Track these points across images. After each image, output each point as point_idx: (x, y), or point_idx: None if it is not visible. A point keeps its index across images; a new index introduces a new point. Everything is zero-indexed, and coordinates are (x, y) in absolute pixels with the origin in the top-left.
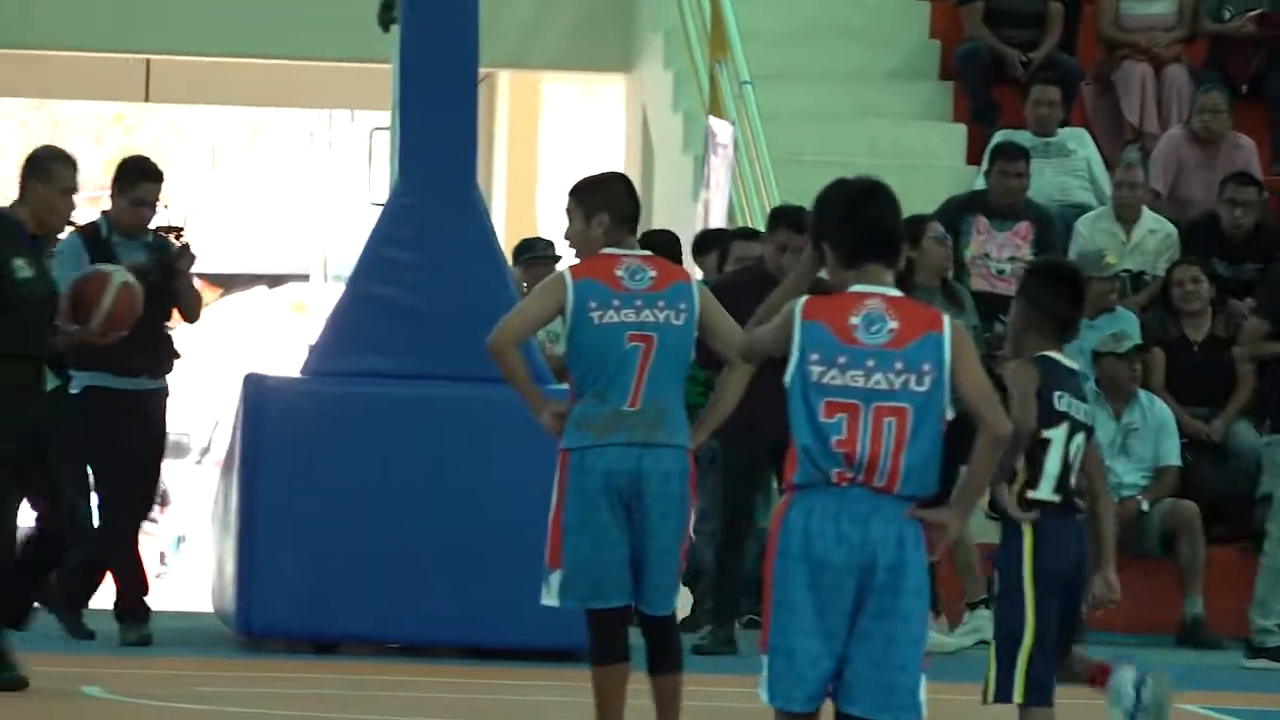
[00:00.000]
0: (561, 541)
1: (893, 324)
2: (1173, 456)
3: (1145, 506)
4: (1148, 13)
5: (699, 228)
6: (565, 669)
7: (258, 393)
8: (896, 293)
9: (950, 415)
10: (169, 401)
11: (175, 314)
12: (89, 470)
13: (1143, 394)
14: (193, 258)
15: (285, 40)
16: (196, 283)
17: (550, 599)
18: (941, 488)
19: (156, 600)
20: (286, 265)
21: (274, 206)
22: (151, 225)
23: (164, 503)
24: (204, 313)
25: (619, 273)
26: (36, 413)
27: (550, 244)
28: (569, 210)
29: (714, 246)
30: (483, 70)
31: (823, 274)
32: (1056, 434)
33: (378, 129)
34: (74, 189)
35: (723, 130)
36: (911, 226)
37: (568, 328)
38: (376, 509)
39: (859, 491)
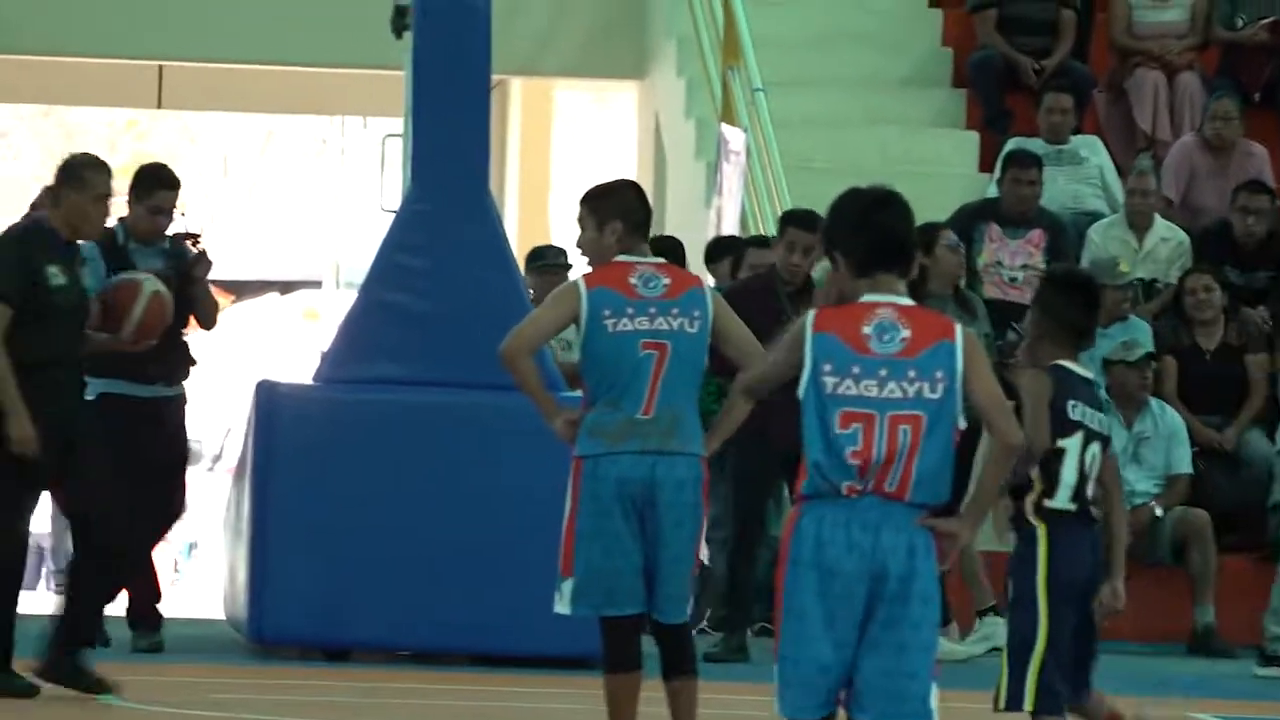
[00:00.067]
0: (574, 549)
1: (905, 333)
2: (1184, 465)
3: (1159, 512)
4: (1160, 20)
5: (711, 234)
6: (577, 677)
7: (270, 400)
8: (908, 301)
9: (963, 425)
10: (187, 409)
11: (191, 321)
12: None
13: (1154, 402)
14: (209, 264)
15: (298, 47)
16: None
17: (563, 607)
18: (952, 497)
19: (169, 607)
20: (299, 272)
21: (286, 213)
22: (169, 232)
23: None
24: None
25: (633, 280)
26: (69, 420)
27: (562, 252)
28: (581, 218)
29: (726, 254)
30: (495, 77)
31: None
32: (1071, 443)
33: (390, 136)
34: (108, 195)
35: (735, 137)
36: (924, 234)
37: (582, 336)
38: (388, 516)
39: (870, 500)
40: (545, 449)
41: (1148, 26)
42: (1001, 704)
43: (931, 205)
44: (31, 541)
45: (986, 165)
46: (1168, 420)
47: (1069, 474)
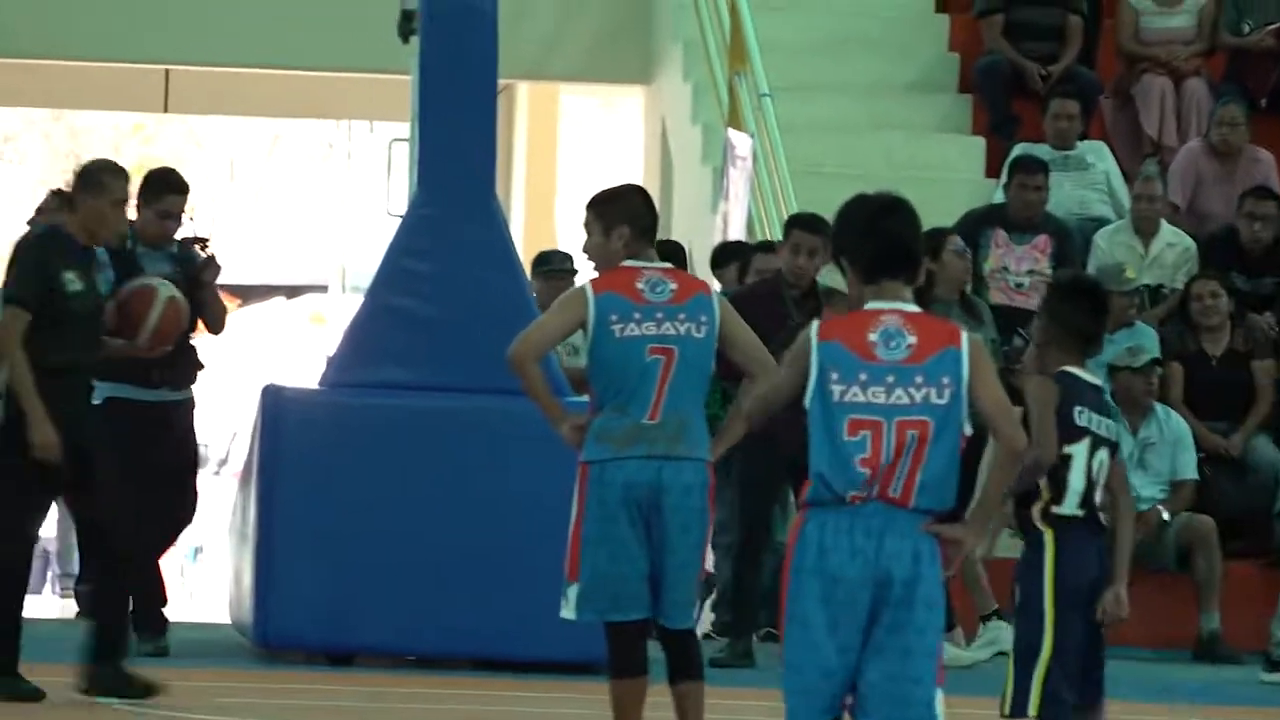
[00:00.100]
0: (580, 554)
1: (911, 339)
2: (1189, 470)
3: (1166, 516)
4: (1167, 26)
5: (717, 240)
6: (583, 682)
7: (276, 404)
8: (914, 308)
9: (969, 431)
10: (195, 413)
11: (199, 325)
12: None
13: (1159, 408)
14: (218, 269)
15: (304, 51)
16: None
17: (568, 612)
18: (958, 504)
19: (174, 611)
20: (305, 276)
21: (293, 217)
22: (178, 236)
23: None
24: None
25: (640, 285)
26: (84, 426)
27: (568, 257)
28: (588, 223)
29: (733, 259)
30: (501, 82)
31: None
32: (1078, 449)
33: (397, 140)
34: (125, 200)
35: (741, 142)
36: (931, 239)
37: (589, 341)
38: (394, 521)
39: (874, 506)
40: (551, 454)
41: (1155, 32)
42: (1007, 709)
43: (938, 210)
44: (38, 545)
45: (993, 170)
46: (1173, 426)
47: (1076, 480)
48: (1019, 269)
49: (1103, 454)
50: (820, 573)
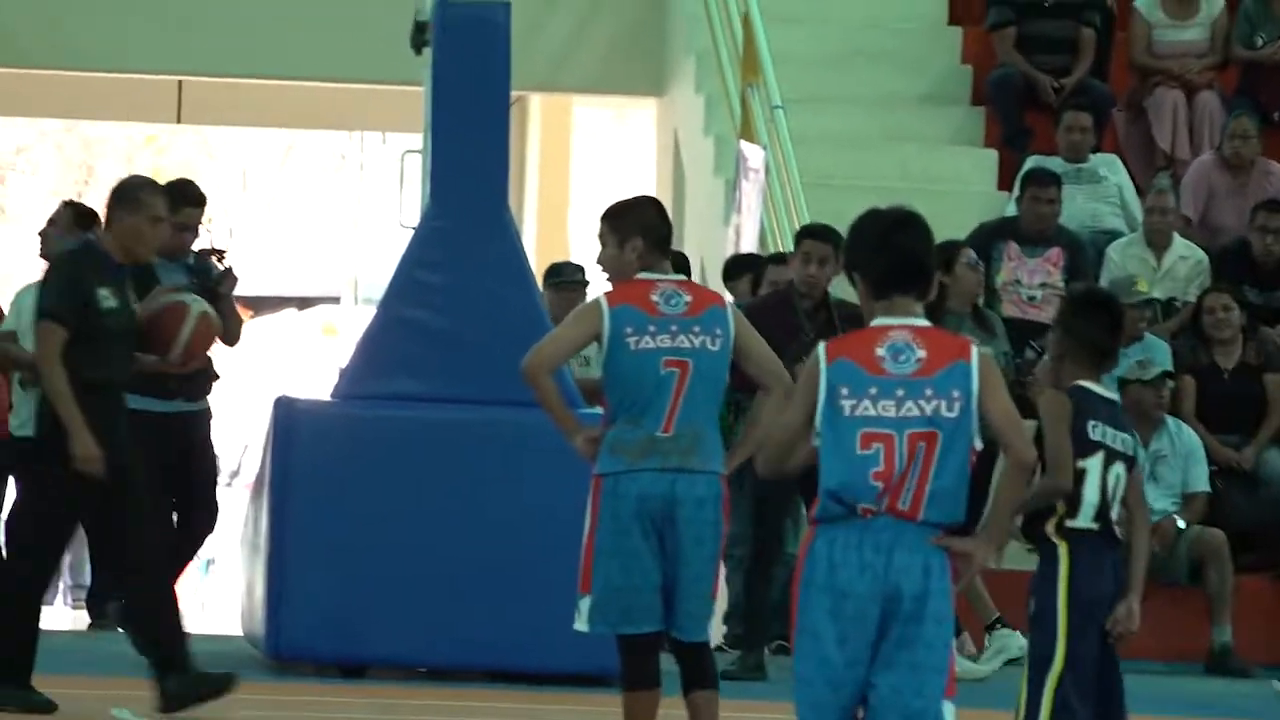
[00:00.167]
0: (593, 567)
1: (920, 353)
2: (1201, 483)
3: (1181, 524)
4: (1180, 39)
5: (730, 252)
6: (596, 694)
7: (288, 416)
8: (924, 322)
9: (979, 446)
10: (212, 424)
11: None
12: None
13: (1170, 420)
14: (235, 280)
15: (317, 62)
16: None
17: (581, 624)
18: (969, 519)
19: (186, 623)
20: (317, 287)
21: (305, 228)
22: (194, 248)
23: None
24: None
25: (654, 298)
26: (118, 444)
27: (579, 268)
28: (602, 235)
29: (745, 271)
30: (514, 93)
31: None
32: (1092, 463)
33: (409, 152)
34: (162, 217)
35: (754, 154)
36: (944, 252)
37: (604, 353)
38: (406, 533)
39: (883, 520)
40: (564, 466)
41: (1167, 45)
42: None
43: (950, 223)
44: None
45: (1005, 183)
46: (1184, 439)
47: (1090, 494)
48: (1031, 282)
49: (1118, 468)
50: (829, 587)
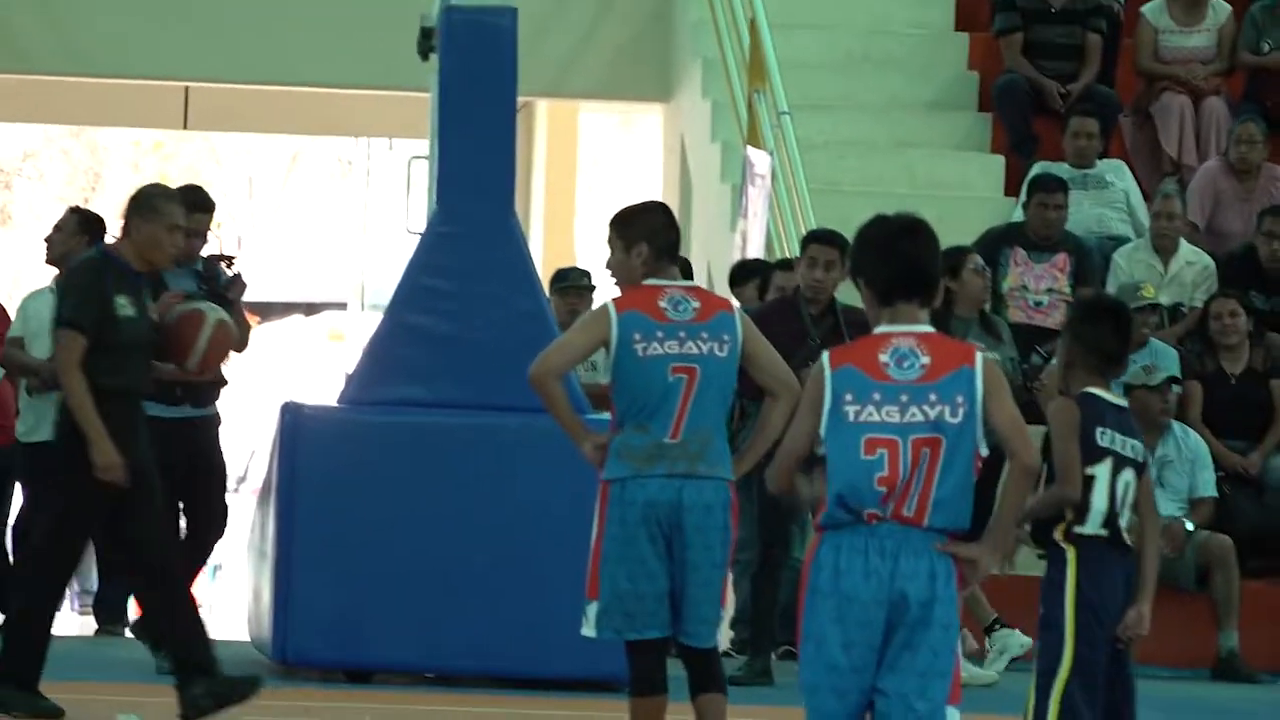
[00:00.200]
0: (600, 572)
1: (925, 359)
2: (1208, 488)
3: (1190, 526)
4: (1186, 45)
5: (736, 258)
6: (602, 699)
7: (294, 421)
8: (928, 329)
9: (985, 452)
10: (220, 430)
11: None
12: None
13: (1176, 426)
14: (244, 286)
15: (324, 68)
16: None
17: (588, 630)
18: (976, 526)
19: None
20: (324, 293)
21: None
22: (203, 253)
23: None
24: None
25: (662, 304)
26: (137, 452)
27: (585, 273)
28: (610, 240)
29: (751, 277)
30: (521, 99)
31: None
32: (1100, 470)
33: (416, 158)
34: (180, 225)
35: (760, 160)
36: (951, 258)
37: (611, 359)
38: (413, 538)
39: (888, 527)
40: (569, 472)
41: (1174, 51)
42: None
43: (957, 229)
44: None
45: (1012, 189)
46: (1191, 444)
47: (1099, 500)
48: (1038, 287)
49: (1128, 474)
50: (835, 593)
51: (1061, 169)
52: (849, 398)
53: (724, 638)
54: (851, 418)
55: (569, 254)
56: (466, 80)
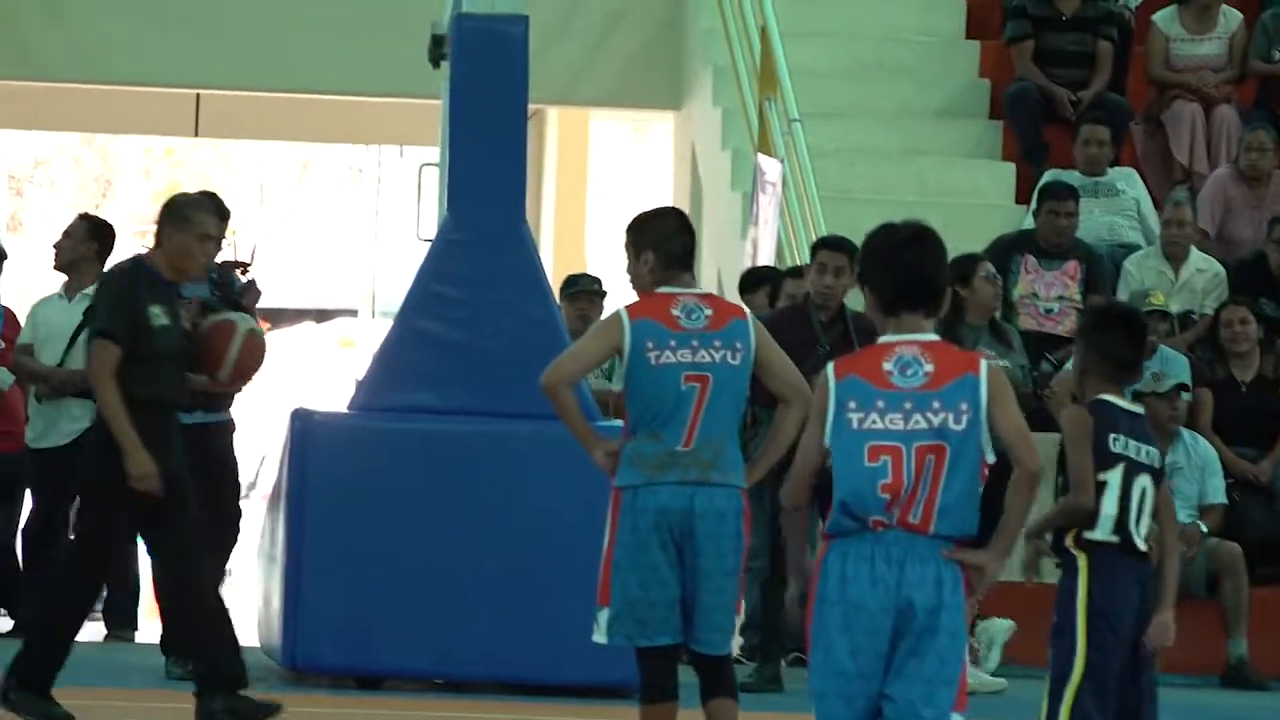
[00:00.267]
0: (611, 579)
1: (928, 367)
2: (1218, 495)
3: (1204, 528)
4: (1197, 53)
5: (747, 265)
6: (612, 706)
7: (305, 428)
8: (932, 337)
9: (991, 459)
10: (233, 436)
11: None
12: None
13: (1185, 433)
14: (259, 293)
15: (335, 75)
16: None
17: (600, 636)
18: (982, 532)
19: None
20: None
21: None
22: (217, 260)
23: None
24: None
25: (675, 312)
26: (170, 461)
27: (596, 279)
28: (625, 247)
29: (761, 284)
30: (532, 106)
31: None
32: (1112, 476)
33: (426, 165)
34: (212, 235)
35: (771, 168)
36: (963, 265)
37: (625, 367)
38: (422, 544)
39: (894, 534)
40: (579, 478)
41: (1185, 59)
42: None
43: (967, 236)
44: None
45: (1023, 197)
46: (1200, 451)
47: (1109, 506)
48: (1048, 294)
49: (1143, 480)
50: (842, 600)
51: (1072, 176)
52: (852, 405)
53: (734, 644)
54: (855, 425)
55: (580, 261)
56: (478, 88)
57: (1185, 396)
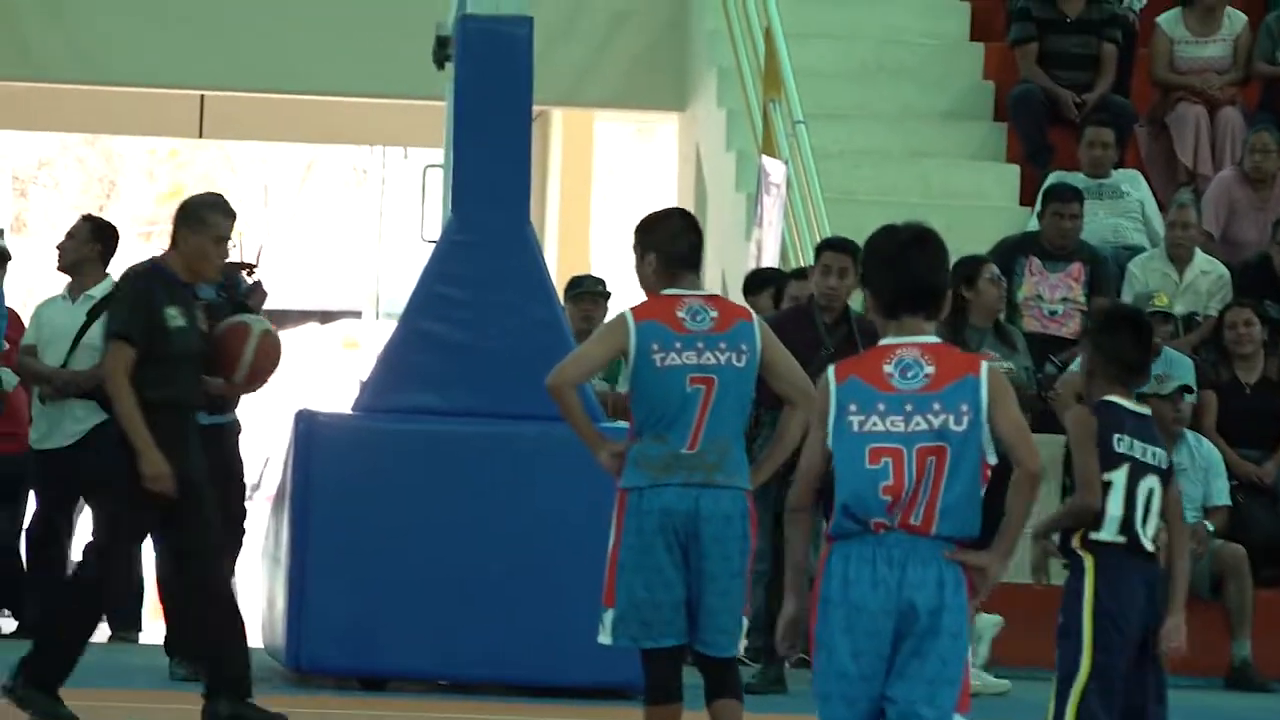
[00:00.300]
0: (616, 580)
1: (929, 369)
2: (1223, 496)
3: (1211, 527)
4: (1202, 55)
5: (751, 266)
6: (617, 707)
7: (309, 429)
8: (933, 340)
9: (993, 460)
10: (239, 437)
11: None
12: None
13: (1189, 434)
14: (264, 294)
15: (339, 77)
16: None
17: (605, 637)
18: (985, 534)
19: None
20: (339, 301)
21: (326, 243)
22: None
23: None
24: None
25: (680, 314)
26: (186, 463)
27: (600, 280)
28: (633, 248)
29: (766, 286)
30: (536, 108)
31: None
32: (1117, 476)
33: (431, 166)
34: (228, 237)
35: (776, 169)
36: (967, 267)
37: (630, 369)
38: (426, 546)
39: (896, 536)
40: (583, 479)
41: (1189, 61)
42: None
43: (972, 238)
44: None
45: (1027, 199)
46: (1204, 452)
47: (1114, 507)
48: (1053, 297)
49: (1150, 481)
50: (843, 602)
51: (1077, 179)
52: (853, 408)
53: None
54: (856, 428)
55: (584, 263)
56: (482, 89)
57: (1188, 398)
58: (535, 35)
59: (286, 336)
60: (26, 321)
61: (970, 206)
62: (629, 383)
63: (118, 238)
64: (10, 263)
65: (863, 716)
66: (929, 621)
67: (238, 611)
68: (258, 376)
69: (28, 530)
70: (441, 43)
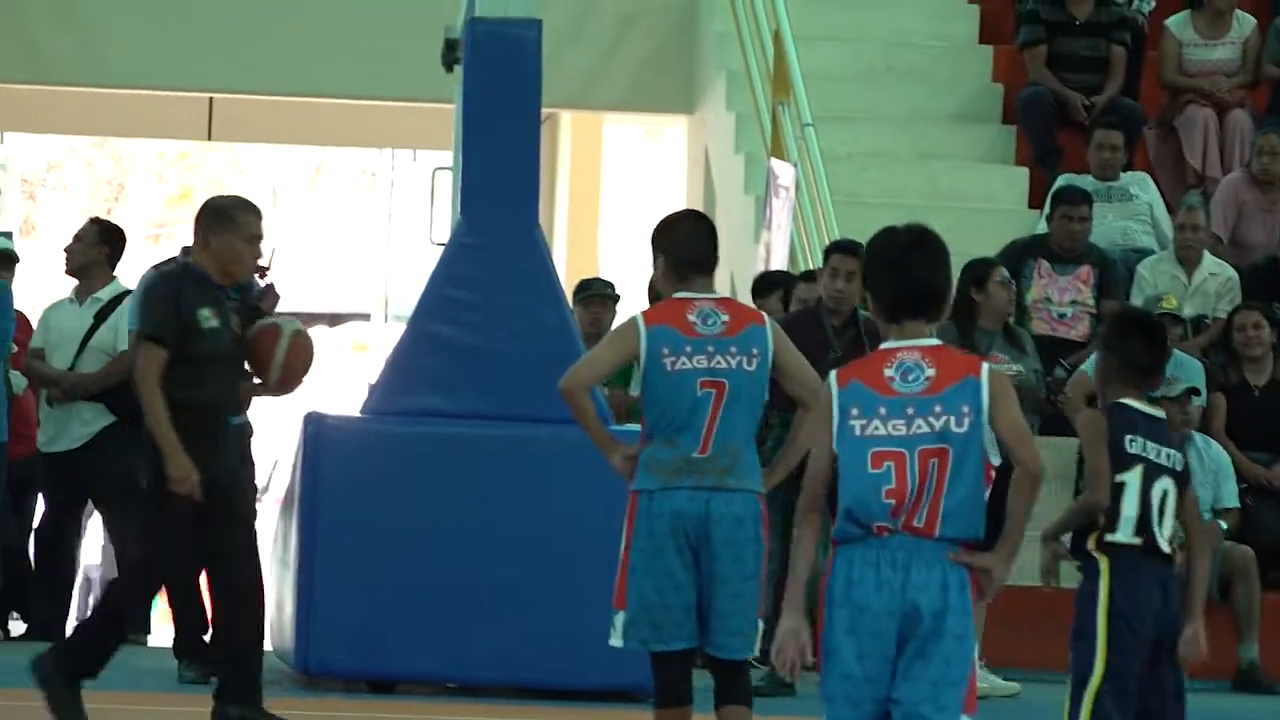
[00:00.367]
0: (627, 583)
1: (930, 371)
2: (1232, 499)
3: (1224, 525)
4: (1211, 58)
5: (760, 269)
6: (626, 710)
7: (317, 431)
8: (934, 342)
9: (996, 461)
10: (250, 439)
11: None
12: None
13: (1198, 437)
14: (278, 297)
15: (348, 80)
16: None
17: (616, 640)
18: (989, 535)
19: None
20: (347, 304)
21: (335, 245)
22: None
23: None
24: None
25: (691, 318)
26: (216, 465)
27: (609, 283)
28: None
29: (775, 288)
30: (545, 110)
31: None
32: (1130, 477)
33: (440, 169)
34: (260, 236)
35: (784, 172)
36: (977, 270)
37: (641, 373)
38: (435, 548)
39: (899, 539)
40: (593, 482)
41: (1198, 64)
42: None
43: (980, 241)
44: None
45: (1036, 201)
46: (1213, 454)
47: (1129, 508)
48: (1061, 299)
49: (1164, 482)
50: (848, 604)
51: (1085, 181)
52: (855, 412)
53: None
54: (858, 432)
55: (593, 266)
56: (491, 92)
57: (1197, 401)
58: (544, 38)
59: None
60: (35, 324)
61: (979, 209)
62: (639, 386)
63: (125, 240)
64: (18, 265)
65: (868, 718)
66: (933, 623)
67: (262, 615)
68: (291, 377)
69: (36, 532)
70: (450, 45)
